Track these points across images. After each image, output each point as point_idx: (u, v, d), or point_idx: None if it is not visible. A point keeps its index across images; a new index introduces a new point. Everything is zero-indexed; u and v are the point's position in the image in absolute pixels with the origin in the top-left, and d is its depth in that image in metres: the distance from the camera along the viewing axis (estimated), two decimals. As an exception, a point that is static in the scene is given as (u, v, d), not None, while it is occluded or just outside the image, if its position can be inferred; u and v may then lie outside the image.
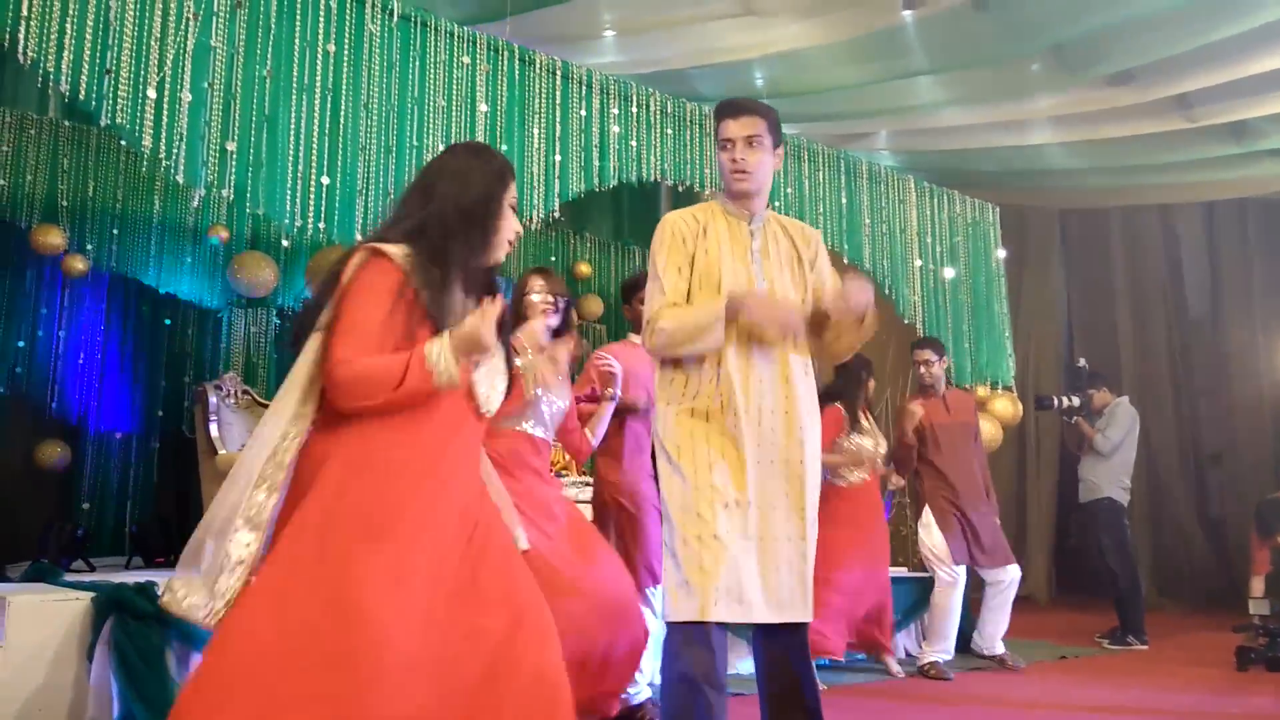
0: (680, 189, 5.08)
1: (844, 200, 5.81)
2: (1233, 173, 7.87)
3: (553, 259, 7.27)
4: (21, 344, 5.78)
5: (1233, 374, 9.29)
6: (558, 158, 4.46)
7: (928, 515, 5.00)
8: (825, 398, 3.94)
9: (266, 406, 5.42)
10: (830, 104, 6.60)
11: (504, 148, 4.28)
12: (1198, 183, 8.29)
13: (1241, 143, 7.04)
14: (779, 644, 2.36)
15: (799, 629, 2.35)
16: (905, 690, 4.46)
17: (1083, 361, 6.84)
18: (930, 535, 4.94)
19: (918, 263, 6.08)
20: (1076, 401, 6.37)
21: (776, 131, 2.51)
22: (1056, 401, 6.40)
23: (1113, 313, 9.81)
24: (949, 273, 6.20)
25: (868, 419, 4.90)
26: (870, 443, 4.82)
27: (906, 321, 6.06)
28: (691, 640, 2.21)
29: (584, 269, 7.39)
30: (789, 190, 5.52)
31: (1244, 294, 9.40)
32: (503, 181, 1.92)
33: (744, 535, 2.26)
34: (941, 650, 4.87)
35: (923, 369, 5.11)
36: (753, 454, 2.31)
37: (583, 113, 4.60)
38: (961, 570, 4.93)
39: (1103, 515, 6.17)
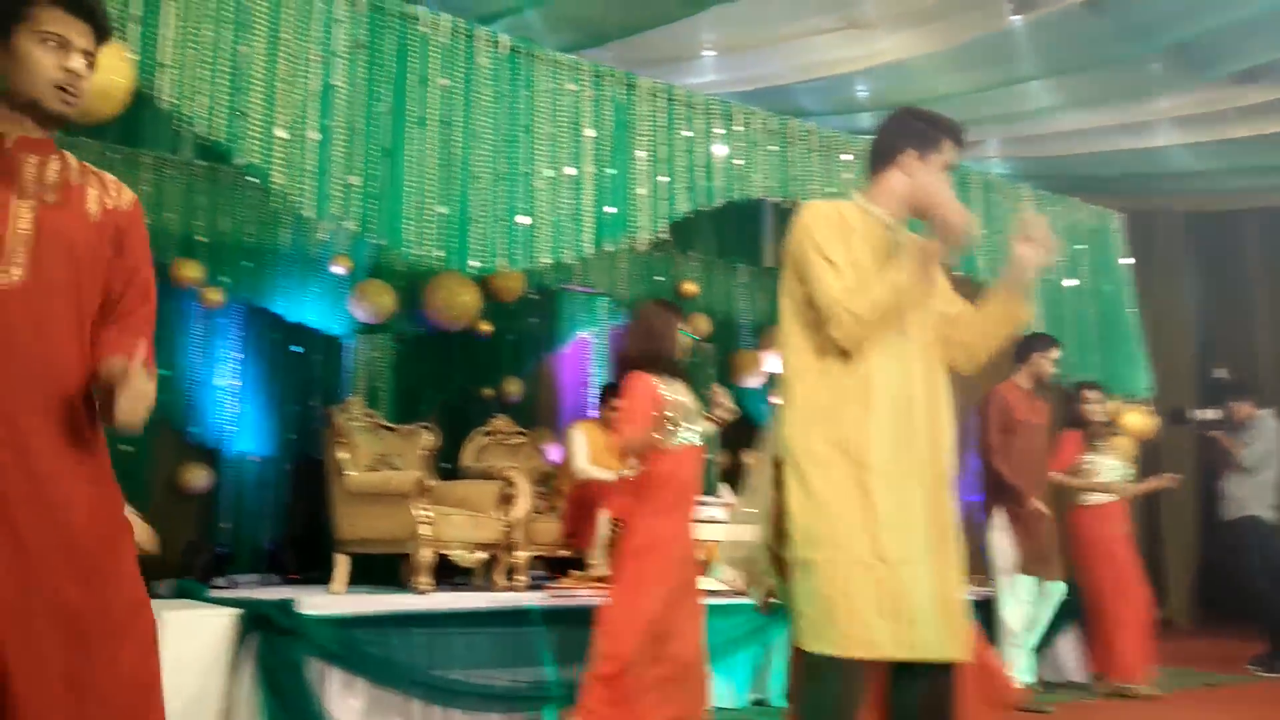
0: (786, 205, 5.08)
1: (955, 211, 5.68)
2: (1377, 169, 7.37)
3: (658, 278, 7.33)
4: (166, 372, 6.16)
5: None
6: (664, 179, 4.52)
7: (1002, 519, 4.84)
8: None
9: (390, 429, 5.66)
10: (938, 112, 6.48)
11: (610, 172, 4.37)
12: (1339, 180, 7.79)
13: (1384, 137, 6.60)
14: None
15: None
16: None
17: (1222, 372, 6.51)
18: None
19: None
20: (1215, 415, 6.06)
21: None
22: (1193, 415, 6.11)
23: (1250, 321, 9.27)
24: (1070, 282, 5.99)
25: None
26: None
27: (1026, 334, 5.87)
28: None
29: (690, 287, 7.42)
30: (898, 203, 5.44)
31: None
32: None
33: None
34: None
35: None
36: None
37: (687, 133, 4.65)
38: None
39: (1248, 534, 5.85)
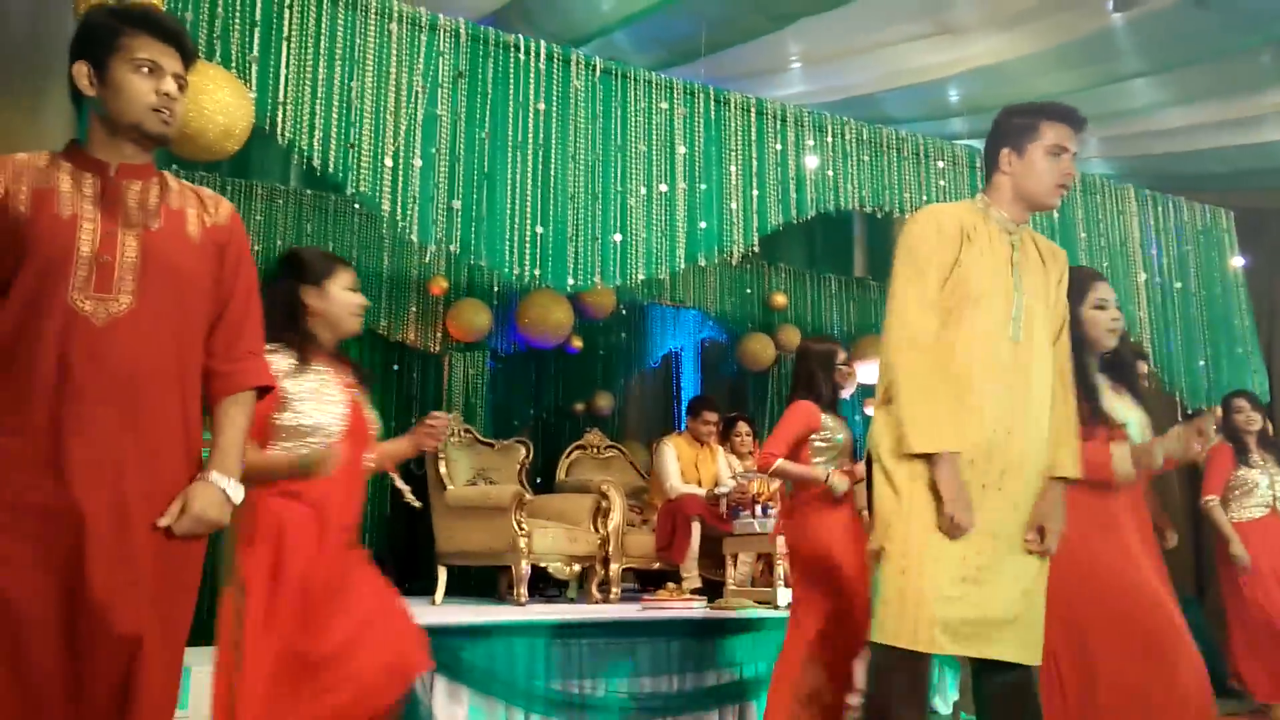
0: (879, 215, 5.03)
1: (1055, 215, 5.54)
2: None
3: (749, 290, 7.32)
4: (274, 392, 6.41)
5: None
6: (755, 193, 4.53)
7: None
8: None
9: (487, 444, 5.78)
10: (1035, 116, 6.34)
11: (702, 187, 4.40)
12: None
13: None
14: None
15: None
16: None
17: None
18: None
19: (1142, 276, 5.70)
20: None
21: None
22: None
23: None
24: (1178, 285, 5.78)
25: None
26: None
27: (1132, 339, 5.69)
28: None
29: (780, 300, 7.39)
30: (995, 209, 5.33)
31: None
32: None
33: None
34: None
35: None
36: None
37: (778, 146, 4.64)
38: None
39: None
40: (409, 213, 3.62)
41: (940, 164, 5.24)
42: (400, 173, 3.62)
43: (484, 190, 3.81)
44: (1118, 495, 2.55)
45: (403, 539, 6.51)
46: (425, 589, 5.10)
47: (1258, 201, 7.88)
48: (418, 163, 3.66)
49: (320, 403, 2.35)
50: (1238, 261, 6.11)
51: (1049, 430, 2.24)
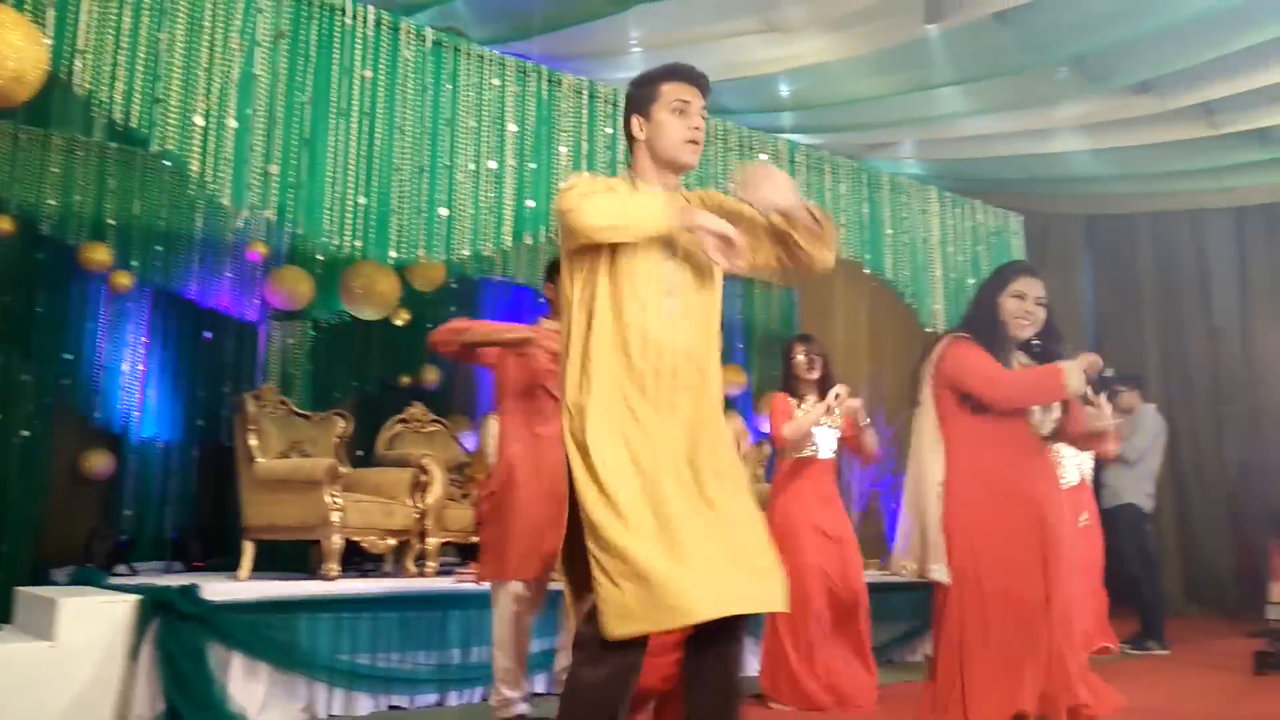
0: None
1: (866, 210, 5.89)
2: (1259, 179, 7.86)
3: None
4: (69, 356, 5.99)
5: (1261, 381, 9.24)
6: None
7: None
8: None
9: (303, 416, 5.61)
10: (854, 115, 6.68)
11: (532, 166, 4.42)
12: (1225, 189, 8.28)
13: (1266, 148, 7.04)
14: None
15: None
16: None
17: (1110, 371, 6.83)
18: None
19: (939, 272, 6.14)
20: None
21: None
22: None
23: (1140, 320, 9.79)
24: (971, 281, 6.26)
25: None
26: None
27: (928, 330, 6.12)
28: None
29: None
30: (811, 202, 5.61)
31: (1273, 300, 9.36)
32: None
33: None
34: None
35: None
36: None
37: (609, 130, 4.72)
38: None
39: (1125, 521, 6.19)
40: (220, 175, 3.47)
41: (764, 156, 5.46)
42: (212, 133, 3.46)
43: (304, 156, 3.70)
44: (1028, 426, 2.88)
45: (208, 513, 6.25)
46: (231, 565, 4.93)
47: (1044, 207, 8.63)
48: (232, 123, 3.51)
49: None
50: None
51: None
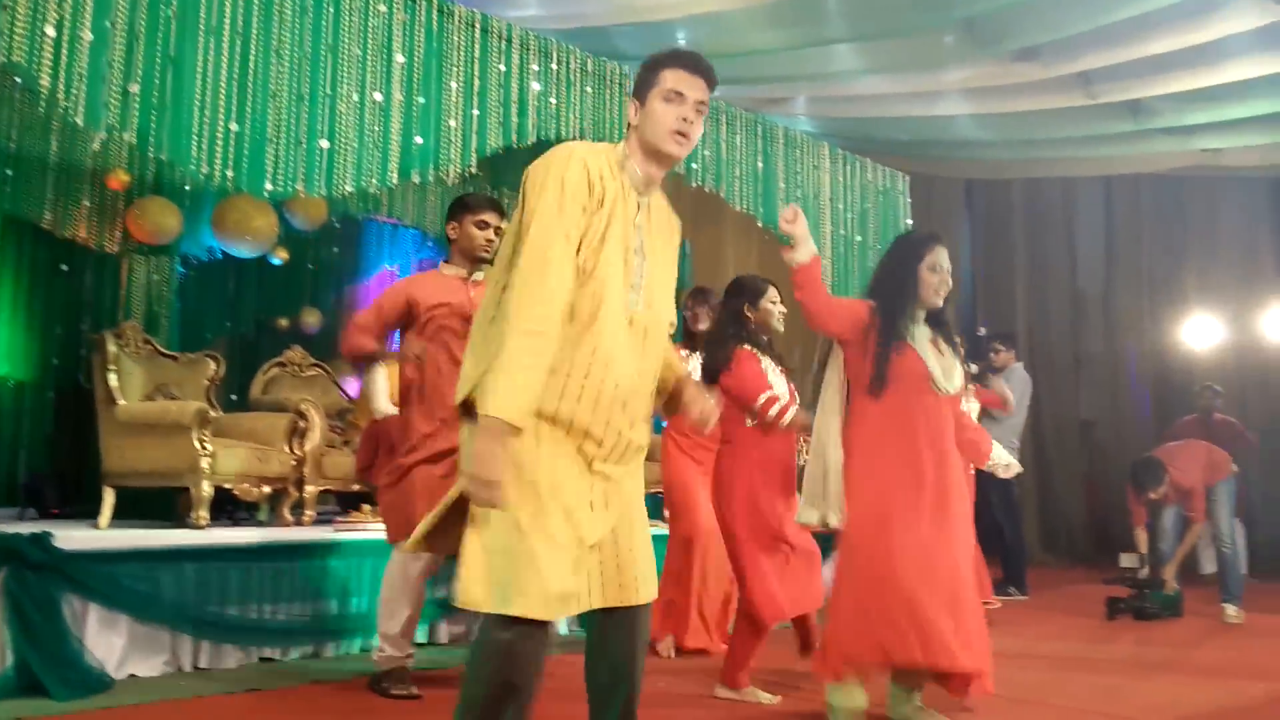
0: (599, 148, 5.09)
1: (760, 164, 5.90)
2: (1129, 149, 8.22)
3: (469, 214, 7.19)
4: (-96, 287, 5.51)
5: (1119, 344, 9.79)
6: (475, 112, 4.42)
7: None
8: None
9: (170, 357, 5.32)
10: (750, 68, 6.66)
11: (420, 100, 4.23)
12: (1096, 158, 8.64)
13: (1138, 120, 7.36)
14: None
15: None
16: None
17: (983, 330, 7.12)
18: None
19: (829, 228, 6.22)
20: (975, 369, 6.64)
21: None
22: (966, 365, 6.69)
23: (1012, 282, 10.21)
24: (859, 238, 6.38)
25: None
26: None
27: (818, 286, 6.22)
28: None
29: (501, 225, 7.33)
30: (706, 153, 5.58)
31: (1134, 267, 9.89)
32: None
33: None
34: None
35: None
36: None
37: (502, 68, 4.56)
38: None
39: (989, 474, 6.47)
40: (75, 93, 3.18)
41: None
42: (65, 46, 3.16)
43: (169, 76, 3.43)
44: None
45: (65, 459, 5.88)
46: (91, 513, 4.66)
47: (928, 169, 8.84)
48: (87, 36, 3.21)
49: None
50: (909, 222, 6.83)
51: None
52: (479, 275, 3.52)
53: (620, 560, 2.02)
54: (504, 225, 3.14)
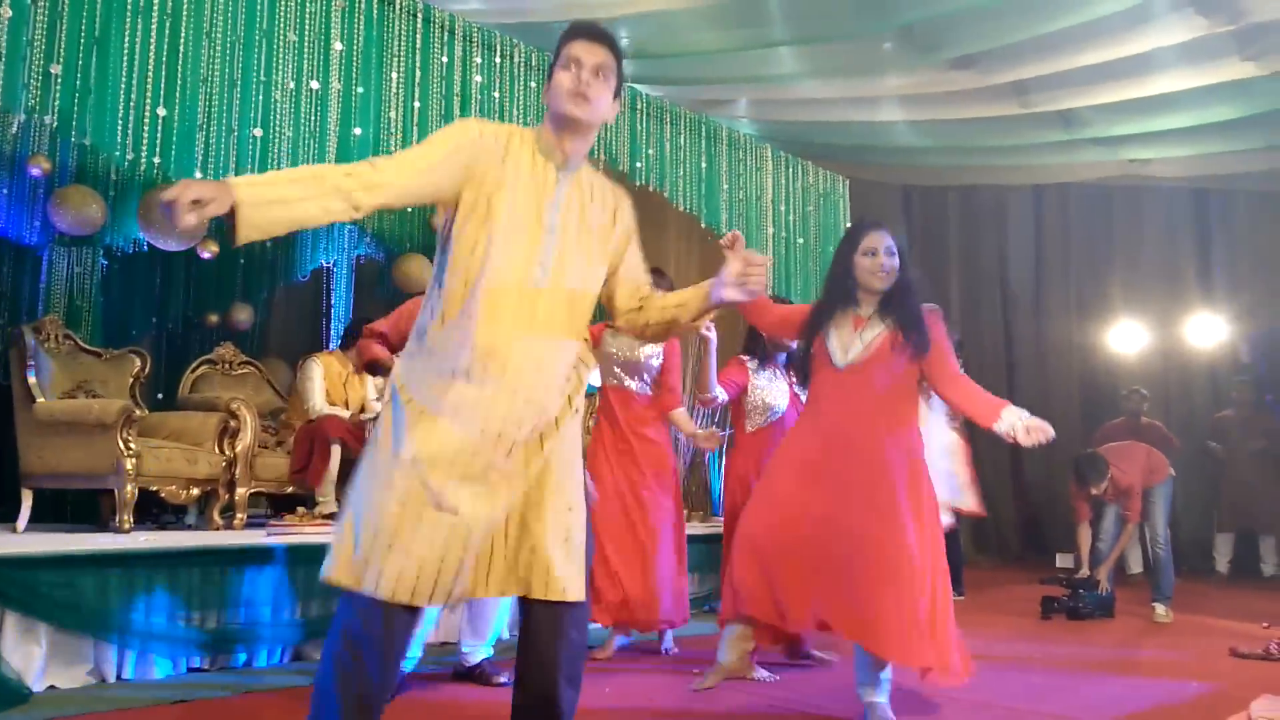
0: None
1: (704, 165, 5.90)
2: (1059, 158, 8.43)
3: (408, 209, 7.06)
4: None
5: (1048, 349, 10.04)
6: (417, 104, 4.33)
7: None
8: None
9: (93, 353, 5.11)
10: (693, 68, 6.65)
11: (359, 90, 4.12)
12: (1028, 166, 8.85)
13: (1069, 130, 7.54)
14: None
15: None
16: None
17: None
18: None
19: (771, 230, 6.25)
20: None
21: (620, 79, 2.12)
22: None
23: (947, 288, 10.39)
24: (800, 241, 6.42)
25: None
26: None
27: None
28: None
29: (439, 221, 7.19)
30: (650, 152, 5.56)
31: (1062, 274, 10.14)
32: None
33: None
34: None
35: None
36: None
37: (444, 59, 4.47)
38: None
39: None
40: (-9, 71, 3.03)
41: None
42: (-20, 20, 3.01)
43: (93, 57, 3.28)
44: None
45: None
46: (7, 514, 4.44)
47: (866, 174, 8.94)
48: (6, 12, 3.06)
49: None
50: (849, 225, 6.89)
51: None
52: None
53: (522, 554, 1.99)
54: None
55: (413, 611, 1.93)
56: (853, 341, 3.05)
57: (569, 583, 1.98)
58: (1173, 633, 5.28)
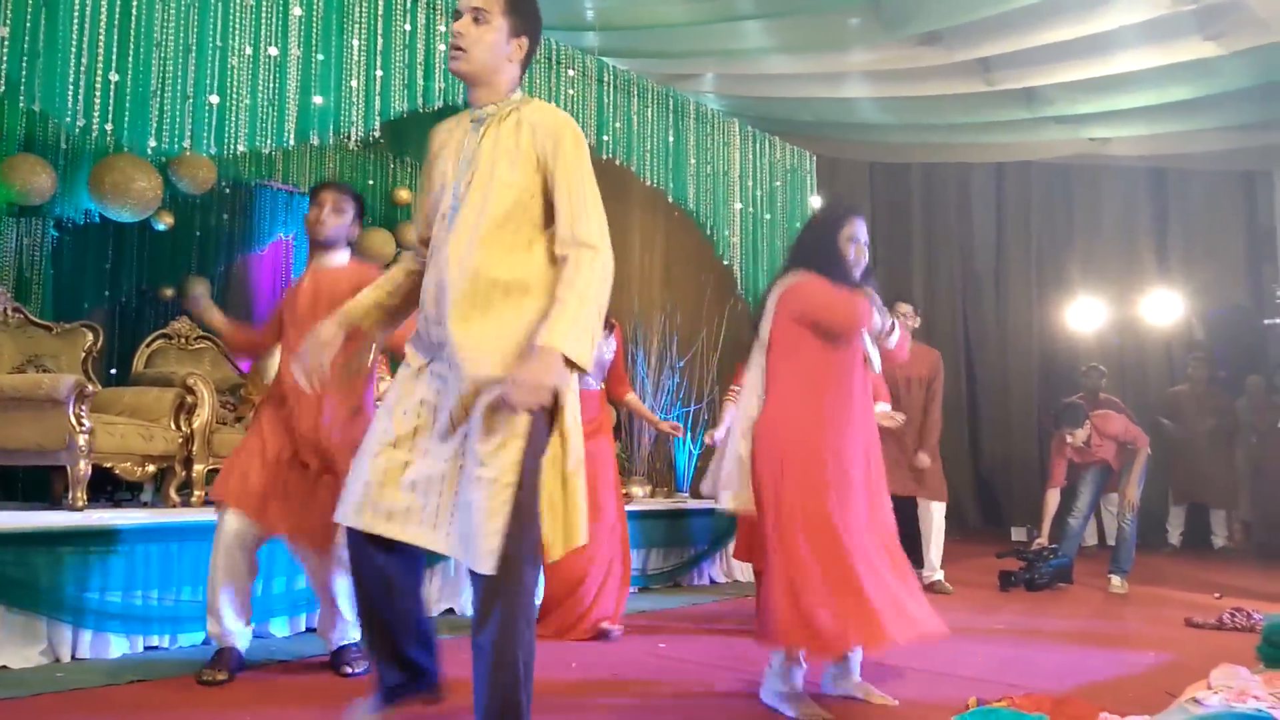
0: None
1: (670, 139, 5.85)
2: (1022, 136, 8.48)
3: (370, 182, 6.94)
4: None
5: (1009, 325, 10.16)
6: (379, 73, 4.24)
7: None
8: None
9: (43, 327, 4.97)
10: (659, 41, 6.59)
11: (319, 58, 4.02)
12: (991, 144, 8.90)
13: (1031, 108, 7.59)
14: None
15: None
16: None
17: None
18: None
19: (738, 205, 6.22)
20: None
21: (520, 17, 2.12)
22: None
23: (909, 264, 10.46)
24: (767, 216, 6.41)
25: None
26: None
27: (725, 263, 6.22)
28: None
29: (404, 195, 7.10)
30: (617, 125, 5.51)
31: (1024, 252, 10.25)
32: None
33: None
34: None
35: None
36: None
37: (407, 27, 4.37)
38: None
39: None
40: (-69, 31, 2.90)
41: (571, 72, 5.28)
42: (-81, -23, 2.88)
43: (42, 18, 3.16)
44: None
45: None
46: (-45, 493, 4.32)
47: (832, 151, 8.95)
48: (-54, -31, 2.93)
49: None
50: (815, 201, 6.89)
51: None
52: None
53: (440, 506, 2.06)
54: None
55: None
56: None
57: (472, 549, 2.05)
58: (1129, 603, 5.40)
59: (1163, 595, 5.65)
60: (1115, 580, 5.78)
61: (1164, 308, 9.21)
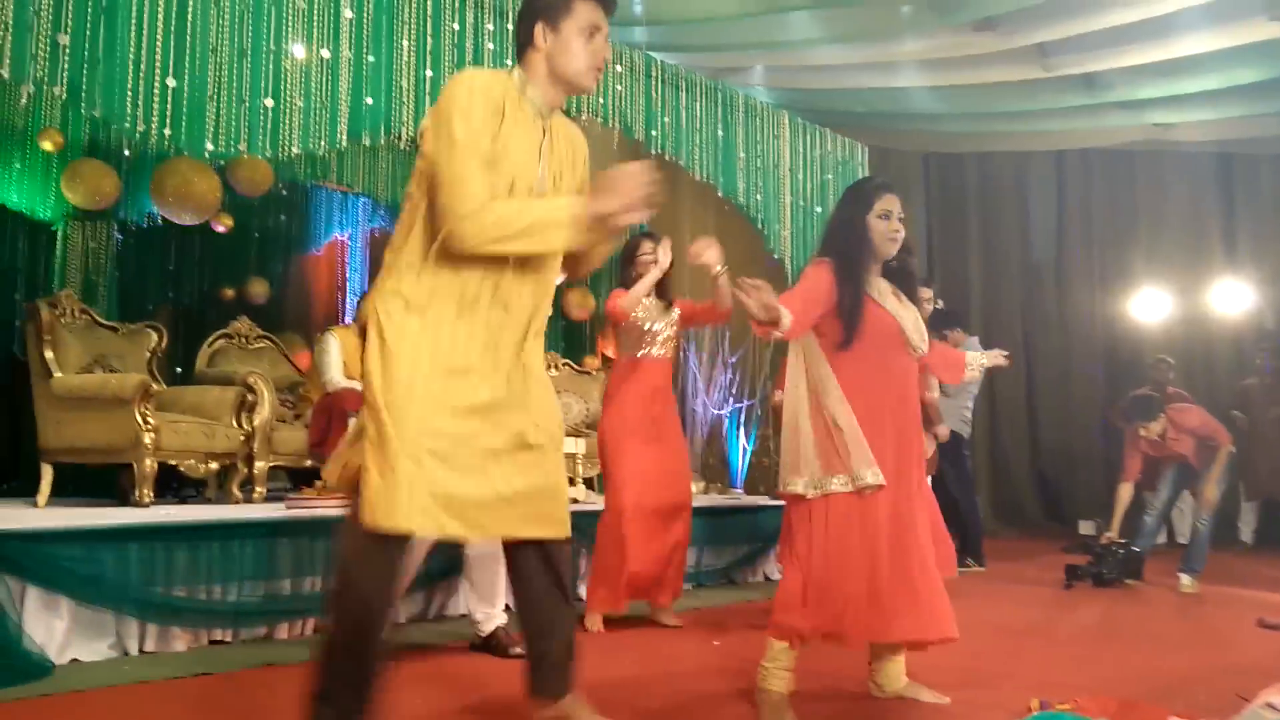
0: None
1: (720, 133, 5.81)
2: (1081, 123, 8.29)
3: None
4: None
5: (1070, 318, 9.92)
6: (429, 73, 4.27)
7: None
8: None
9: (109, 328, 5.11)
10: (709, 35, 6.56)
11: (370, 59, 4.06)
12: (1049, 132, 8.71)
13: (1092, 93, 7.40)
14: None
15: None
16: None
17: (940, 304, 7.11)
18: None
19: (789, 198, 6.16)
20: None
21: None
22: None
23: (966, 256, 10.27)
24: (819, 209, 6.34)
25: None
26: None
27: (776, 257, 6.16)
28: None
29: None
30: (666, 120, 5.48)
31: (1085, 241, 10.01)
32: None
33: None
34: None
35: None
36: None
37: (456, 27, 4.40)
38: None
39: (946, 447, 6.50)
40: (0, 42, 2.99)
41: (619, 68, 5.26)
42: (-14, -10, 2.97)
43: (101, 26, 3.23)
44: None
45: (1, 433, 5.64)
46: (28, 490, 4.45)
47: (884, 141, 8.83)
48: (12, -20, 3.02)
49: None
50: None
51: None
52: None
53: None
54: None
55: None
56: (919, 323, 2.85)
57: None
58: (1199, 603, 5.23)
59: (1234, 595, 5.47)
60: (1186, 580, 5.61)
61: (1233, 297, 8.92)
